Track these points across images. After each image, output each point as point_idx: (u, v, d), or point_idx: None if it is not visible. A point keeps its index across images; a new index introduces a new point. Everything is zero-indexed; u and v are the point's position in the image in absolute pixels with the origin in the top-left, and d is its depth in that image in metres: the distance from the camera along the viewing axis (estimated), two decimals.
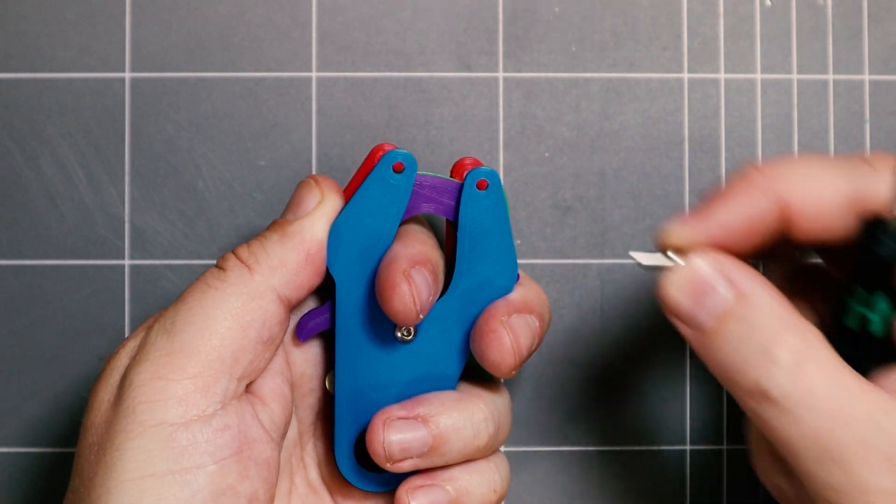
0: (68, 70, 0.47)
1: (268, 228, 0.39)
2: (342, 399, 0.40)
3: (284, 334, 0.39)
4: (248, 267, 0.38)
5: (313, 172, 0.47)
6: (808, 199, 0.36)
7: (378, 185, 0.39)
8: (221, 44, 0.47)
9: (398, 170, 0.39)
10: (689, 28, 0.47)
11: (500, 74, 0.47)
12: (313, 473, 0.41)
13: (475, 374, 0.41)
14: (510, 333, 0.39)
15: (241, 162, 0.47)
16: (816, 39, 0.47)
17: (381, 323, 0.39)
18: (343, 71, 0.47)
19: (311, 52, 0.47)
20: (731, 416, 0.47)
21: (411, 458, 0.38)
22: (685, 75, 0.47)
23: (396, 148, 0.39)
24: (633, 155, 0.47)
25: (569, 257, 0.47)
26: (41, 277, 0.46)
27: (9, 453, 0.46)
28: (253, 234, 0.46)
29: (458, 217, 0.39)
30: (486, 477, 0.40)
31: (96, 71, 0.47)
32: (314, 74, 0.47)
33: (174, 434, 0.35)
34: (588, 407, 0.47)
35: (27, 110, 0.46)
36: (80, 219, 0.46)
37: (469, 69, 0.47)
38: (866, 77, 0.47)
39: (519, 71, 0.47)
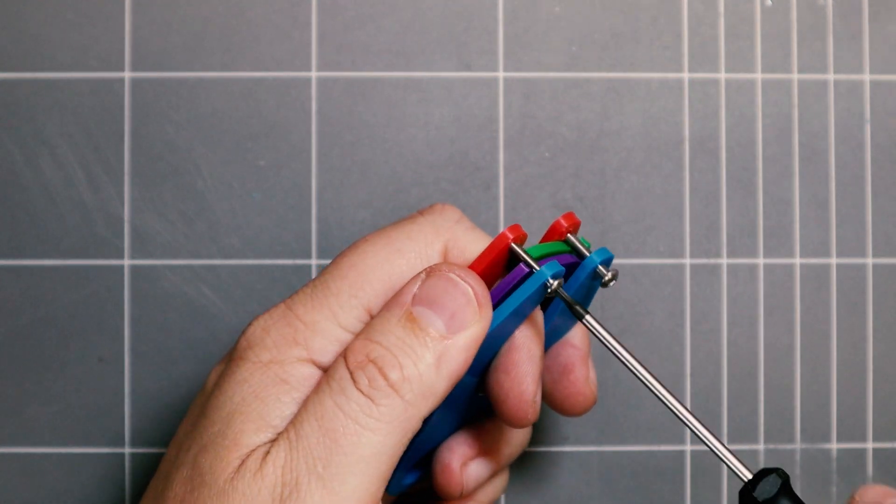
0: (68, 70, 0.47)
1: (415, 336, 0.35)
2: (421, 439, 0.38)
3: None
4: (402, 397, 0.34)
5: (313, 172, 0.47)
6: None
7: (530, 303, 0.36)
8: (221, 44, 0.47)
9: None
10: (689, 28, 0.47)
11: (500, 74, 0.47)
12: None
13: None
14: (592, 388, 0.41)
15: (241, 162, 0.47)
16: (816, 39, 0.47)
17: (464, 383, 0.38)
18: (343, 71, 0.47)
19: (311, 52, 0.47)
20: (730, 415, 0.47)
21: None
22: (685, 75, 0.47)
23: (556, 267, 0.36)
24: (633, 155, 0.47)
25: None
26: (41, 277, 0.46)
27: (9, 453, 0.46)
28: (253, 233, 0.46)
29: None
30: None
31: (96, 71, 0.47)
32: (314, 74, 0.47)
33: None
34: None
35: (27, 110, 0.46)
36: (80, 219, 0.46)
37: (469, 69, 0.47)
38: (866, 77, 0.47)
39: (519, 71, 0.47)
